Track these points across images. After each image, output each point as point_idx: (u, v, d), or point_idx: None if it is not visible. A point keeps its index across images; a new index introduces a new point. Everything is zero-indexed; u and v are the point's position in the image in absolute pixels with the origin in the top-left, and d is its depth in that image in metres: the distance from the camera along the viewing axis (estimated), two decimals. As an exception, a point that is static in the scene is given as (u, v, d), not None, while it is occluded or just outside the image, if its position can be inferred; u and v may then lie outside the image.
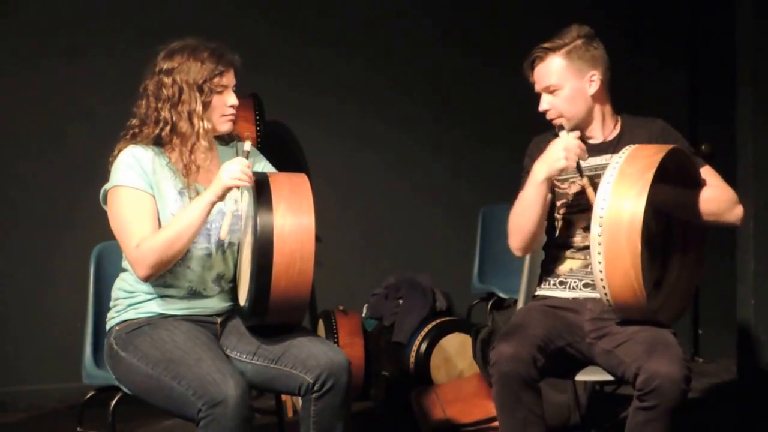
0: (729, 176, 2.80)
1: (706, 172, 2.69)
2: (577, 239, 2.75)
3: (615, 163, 2.46)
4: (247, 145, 2.50)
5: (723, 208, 2.66)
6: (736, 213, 2.68)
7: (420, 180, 4.73)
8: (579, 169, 2.61)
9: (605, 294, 2.44)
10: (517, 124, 4.71)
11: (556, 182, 2.78)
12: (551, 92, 2.71)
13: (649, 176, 2.38)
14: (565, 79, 2.69)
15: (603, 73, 2.73)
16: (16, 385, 4.17)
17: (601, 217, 2.40)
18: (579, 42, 2.70)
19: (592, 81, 2.71)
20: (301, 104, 4.50)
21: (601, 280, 2.42)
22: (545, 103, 2.73)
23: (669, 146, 2.52)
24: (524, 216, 2.69)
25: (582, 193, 2.68)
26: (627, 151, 2.50)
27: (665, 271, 2.70)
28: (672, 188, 2.62)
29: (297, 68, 4.50)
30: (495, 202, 4.52)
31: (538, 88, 2.75)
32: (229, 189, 2.45)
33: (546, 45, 2.71)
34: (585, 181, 2.60)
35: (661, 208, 2.64)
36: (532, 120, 2.72)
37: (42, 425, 3.93)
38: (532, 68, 2.74)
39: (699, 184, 2.66)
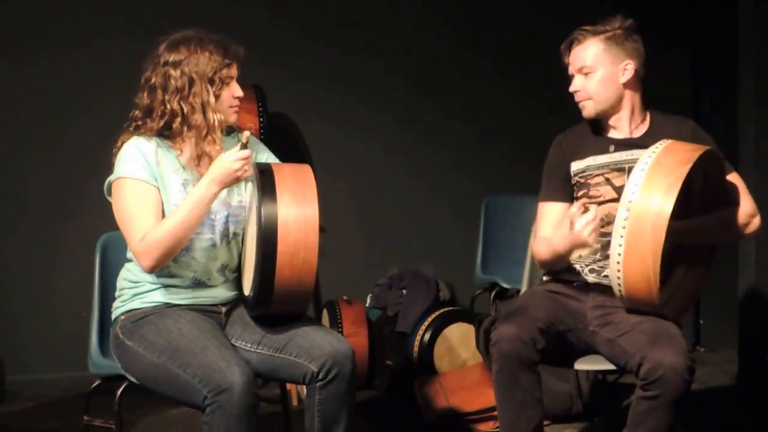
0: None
1: (732, 181, 2.69)
2: None
3: (651, 152, 2.45)
4: (245, 136, 2.50)
5: (740, 228, 2.69)
6: (751, 227, 2.70)
7: (423, 170, 4.73)
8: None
9: (618, 280, 2.42)
10: (519, 115, 4.72)
11: (578, 177, 2.79)
12: (584, 74, 2.74)
13: (685, 170, 2.36)
14: (600, 63, 2.72)
15: (638, 65, 2.75)
16: (22, 374, 4.18)
17: (630, 201, 2.38)
18: (619, 31, 2.73)
19: (626, 69, 2.73)
20: (303, 95, 4.50)
21: (618, 263, 2.39)
22: (576, 84, 2.76)
23: (706, 147, 2.52)
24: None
25: (603, 184, 2.71)
26: (665, 143, 2.49)
27: (671, 271, 2.68)
28: (688, 222, 2.61)
29: (299, 59, 4.50)
30: (498, 193, 4.53)
31: (572, 69, 2.77)
32: (234, 181, 2.46)
33: (587, 27, 2.74)
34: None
35: (676, 239, 2.60)
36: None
37: (48, 414, 3.94)
38: (569, 49, 2.77)
39: (720, 199, 2.64)
